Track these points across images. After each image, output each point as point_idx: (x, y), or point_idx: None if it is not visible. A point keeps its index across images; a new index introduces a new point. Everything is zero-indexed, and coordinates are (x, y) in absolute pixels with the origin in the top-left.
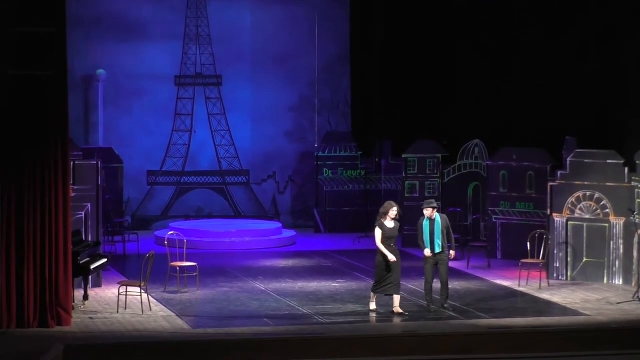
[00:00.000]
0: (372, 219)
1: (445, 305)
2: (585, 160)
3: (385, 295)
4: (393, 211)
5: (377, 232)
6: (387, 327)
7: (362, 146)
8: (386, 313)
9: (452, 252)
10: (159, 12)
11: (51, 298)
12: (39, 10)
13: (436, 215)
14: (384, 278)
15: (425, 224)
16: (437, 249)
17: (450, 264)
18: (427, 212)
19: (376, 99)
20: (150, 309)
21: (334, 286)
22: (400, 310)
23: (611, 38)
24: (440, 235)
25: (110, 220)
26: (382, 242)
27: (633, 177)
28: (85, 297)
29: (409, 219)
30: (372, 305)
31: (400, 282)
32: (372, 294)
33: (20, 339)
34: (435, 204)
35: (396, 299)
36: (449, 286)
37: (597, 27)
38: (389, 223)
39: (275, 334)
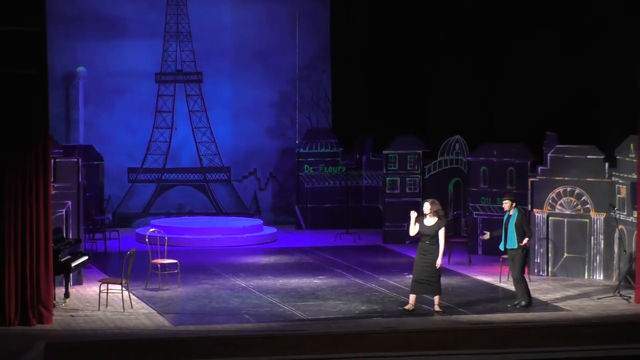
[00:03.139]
0: (353, 215)
1: (516, 303)
2: (566, 156)
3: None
4: (425, 207)
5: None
6: (369, 324)
7: (343, 143)
8: (369, 311)
9: (524, 240)
10: (140, 10)
11: (32, 296)
12: (19, 8)
13: (515, 211)
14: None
15: (505, 218)
16: (508, 245)
17: None
18: (504, 206)
19: (357, 95)
20: (132, 307)
21: (315, 283)
22: (408, 308)
23: (593, 33)
24: (512, 232)
25: (91, 218)
26: (419, 238)
27: (614, 173)
28: (67, 295)
29: (390, 216)
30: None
31: (423, 281)
32: None
33: (1, 337)
34: (510, 197)
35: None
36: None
37: (578, 21)
38: (429, 220)
39: (256, 331)
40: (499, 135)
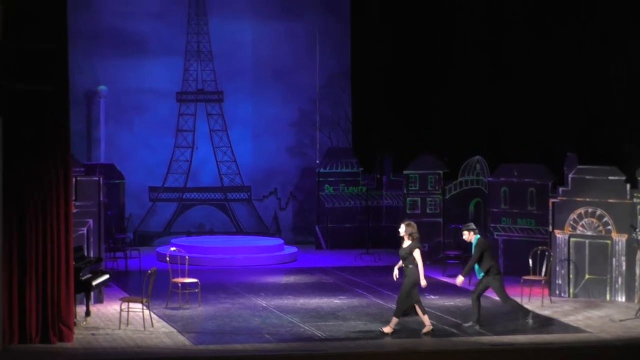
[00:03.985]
0: (373, 235)
1: (529, 320)
2: (587, 177)
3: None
4: (400, 229)
5: None
6: (389, 344)
7: (363, 162)
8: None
9: (459, 278)
10: (161, 29)
11: (53, 314)
12: (41, 26)
13: (475, 239)
14: None
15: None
16: (478, 274)
17: (453, 280)
18: (464, 238)
19: (377, 115)
20: (152, 326)
21: (335, 303)
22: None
23: (612, 51)
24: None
25: (112, 236)
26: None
27: (635, 194)
28: (88, 313)
29: None
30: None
31: (403, 305)
32: None
33: (22, 355)
34: (467, 228)
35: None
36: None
37: (597, 39)
38: (405, 243)
39: (277, 350)
40: (519, 156)
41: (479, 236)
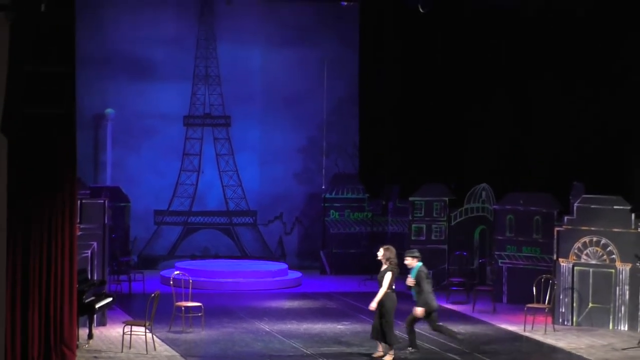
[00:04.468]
0: (378, 261)
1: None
2: (592, 206)
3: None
4: (379, 253)
5: None
6: None
7: (369, 189)
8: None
9: (417, 310)
10: (169, 53)
11: (56, 337)
12: (49, 49)
13: (416, 267)
14: None
15: None
16: (415, 298)
17: (457, 307)
18: (405, 263)
19: (384, 141)
20: (155, 349)
21: (339, 328)
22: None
23: (621, 82)
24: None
25: (116, 259)
26: None
27: None
28: (90, 336)
29: None
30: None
31: (380, 327)
32: None
33: None
34: (411, 254)
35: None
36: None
37: (606, 70)
38: (382, 267)
39: None
40: (526, 184)
41: (421, 264)
